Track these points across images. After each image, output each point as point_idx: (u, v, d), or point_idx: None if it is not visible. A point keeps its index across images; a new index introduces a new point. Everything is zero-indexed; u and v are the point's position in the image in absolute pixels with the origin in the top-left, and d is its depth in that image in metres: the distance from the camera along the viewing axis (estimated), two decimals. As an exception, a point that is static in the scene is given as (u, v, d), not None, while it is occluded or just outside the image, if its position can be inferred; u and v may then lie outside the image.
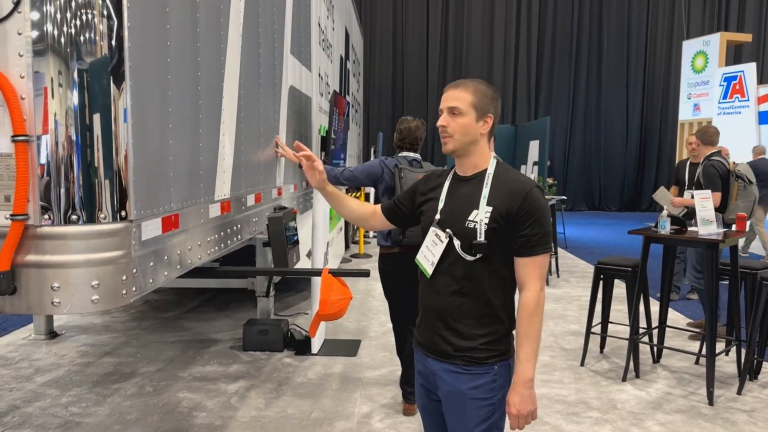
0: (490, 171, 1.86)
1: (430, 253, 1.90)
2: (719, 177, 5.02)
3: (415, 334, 2.01)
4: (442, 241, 1.85)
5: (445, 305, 1.86)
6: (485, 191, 1.82)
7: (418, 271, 1.97)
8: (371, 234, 11.08)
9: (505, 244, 1.79)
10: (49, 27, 1.80)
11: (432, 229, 1.90)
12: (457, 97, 1.84)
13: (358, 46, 12.06)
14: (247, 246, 4.52)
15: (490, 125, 1.87)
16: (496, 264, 1.81)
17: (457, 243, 1.82)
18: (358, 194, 9.65)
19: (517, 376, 1.77)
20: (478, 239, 1.77)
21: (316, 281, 4.39)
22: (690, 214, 5.34)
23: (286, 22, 4.24)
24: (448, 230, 1.84)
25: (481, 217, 1.79)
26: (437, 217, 1.89)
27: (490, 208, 1.78)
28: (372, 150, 11.97)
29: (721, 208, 5.00)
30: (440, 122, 1.85)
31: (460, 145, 1.84)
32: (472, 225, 1.79)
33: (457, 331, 1.85)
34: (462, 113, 1.82)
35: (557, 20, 17.40)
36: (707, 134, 5.31)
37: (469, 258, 1.80)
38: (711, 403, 3.84)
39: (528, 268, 1.79)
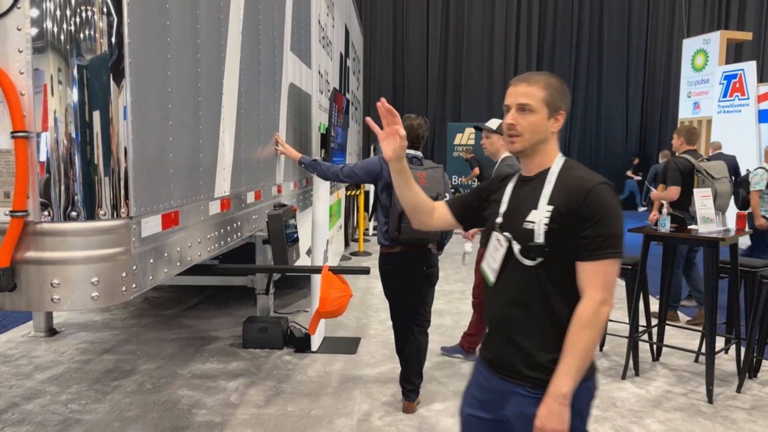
0: (555, 169, 1.73)
1: (492, 259, 1.77)
2: (679, 172, 5.37)
3: (480, 347, 1.89)
4: (502, 246, 1.73)
5: (506, 316, 1.73)
6: (546, 190, 1.69)
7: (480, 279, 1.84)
8: (371, 232, 11.08)
9: (567, 247, 1.64)
10: (48, 24, 1.80)
11: (494, 233, 1.78)
12: (528, 92, 1.70)
13: (357, 44, 12.05)
14: (247, 243, 4.52)
15: (561, 123, 1.74)
16: (560, 270, 1.66)
17: (516, 247, 1.69)
18: (357, 191, 9.64)
19: (550, 389, 1.61)
20: (536, 241, 1.64)
21: (316, 279, 4.39)
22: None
23: (286, 19, 4.23)
24: (506, 234, 1.72)
25: (539, 217, 1.65)
26: (498, 220, 1.77)
27: (550, 208, 1.65)
28: (372, 148, 11.97)
29: (685, 203, 5.26)
30: (509, 120, 1.71)
31: (529, 144, 1.72)
32: (530, 226, 1.67)
33: (520, 346, 1.70)
34: (533, 110, 1.69)
35: (557, 19, 17.38)
36: (694, 134, 5.67)
37: (528, 263, 1.67)
38: (710, 401, 3.84)
39: (588, 275, 1.62)
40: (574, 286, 1.65)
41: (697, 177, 5.38)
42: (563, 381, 1.59)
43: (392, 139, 1.83)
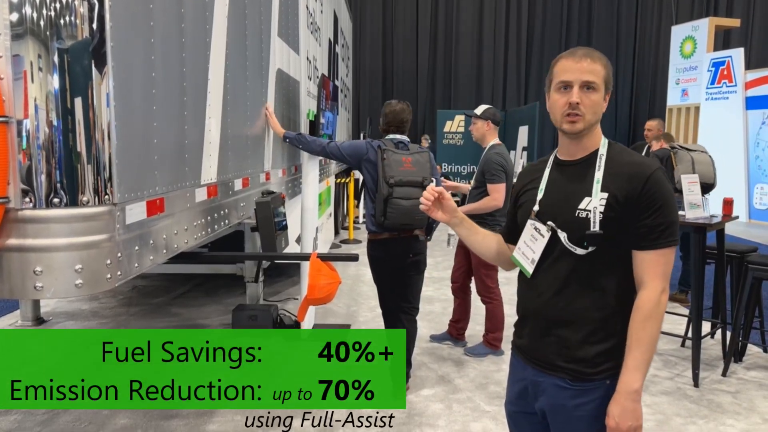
0: (603, 152, 1.64)
1: (529, 249, 1.70)
2: (658, 159, 5.68)
3: (514, 338, 1.82)
4: (543, 236, 1.65)
5: (549, 308, 1.66)
6: (599, 175, 1.60)
7: (519, 272, 1.75)
8: (361, 220, 11.06)
9: (623, 235, 1.58)
10: (28, 9, 1.77)
11: (530, 222, 1.70)
12: (593, 69, 1.60)
13: (347, 30, 11.96)
14: (237, 231, 4.50)
15: (607, 102, 1.68)
16: (612, 259, 1.60)
17: (562, 235, 1.62)
18: (347, 179, 9.62)
19: (620, 385, 1.56)
20: (592, 229, 1.56)
21: (305, 266, 4.38)
22: None
23: (273, 4, 4.18)
24: (549, 223, 1.64)
25: (594, 204, 1.57)
26: (535, 208, 1.69)
27: (605, 194, 1.58)
28: (362, 135, 11.93)
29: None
30: (574, 98, 1.59)
31: (589, 125, 1.63)
32: (584, 214, 1.59)
33: (563, 338, 1.64)
34: (596, 89, 1.60)
35: (547, 5, 17.34)
36: (672, 137, 6.19)
37: (579, 251, 1.59)
38: (696, 384, 3.88)
39: (648, 264, 1.57)
40: (624, 275, 1.61)
41: (673, 154, 5.61)
42: (633, 377, 1.55)
43: (438, 206, 1.83)
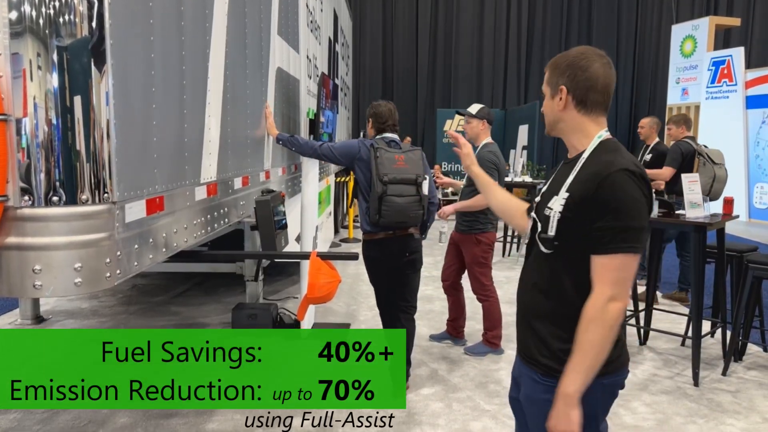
0: (586, 153, 1.62)
1: (527, 238, 1.79)
2: (681, 155, 5.49)
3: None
4: (531, 227, 1.74)
5: (526, 300, 1.72)
6: (572, 176, 1.60)
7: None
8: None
9: (581, 237, 1.55)
10: (27, 8, 1.76)
11: (531, 214, 1.78)
12: (545, 78, 1.72)
13: (347, 29, 11.96)
14: (236, 230, 4.49)
15: (565, 98, 1.63)
16: (574, 260, 1.57)
17: (537, 230, 1.68)
18: (348, 178, 9.61)
19: (558, 387, 1.56)
20: (548, 232, 1.59)
21: (305, 264, 4.37)
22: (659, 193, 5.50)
23: (273, 2, 4.17)
24: (532, 214, 1.72)
25: (556, 204, 1.59)
26: (537, 199, 1.75)
27: (567, 195, 1.58)
28: (361, 134, 11.93)
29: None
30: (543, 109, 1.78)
31: (548, 127, 1.74)
32: (548, 212, 1.61)
33: (536, 332, 1.66)
34: (545, 94, 1.72)
35: (547, 5, 17.32)
36: (690, 121, 5.90)
37: (544, 250, 1.63)
38: (696, 384, 3.88)
39: (599, 268, 1.52)
40: (588, 279, 1.56)
41: (698, 160, 5.48)
42: (569, 379, 1.53)
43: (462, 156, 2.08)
